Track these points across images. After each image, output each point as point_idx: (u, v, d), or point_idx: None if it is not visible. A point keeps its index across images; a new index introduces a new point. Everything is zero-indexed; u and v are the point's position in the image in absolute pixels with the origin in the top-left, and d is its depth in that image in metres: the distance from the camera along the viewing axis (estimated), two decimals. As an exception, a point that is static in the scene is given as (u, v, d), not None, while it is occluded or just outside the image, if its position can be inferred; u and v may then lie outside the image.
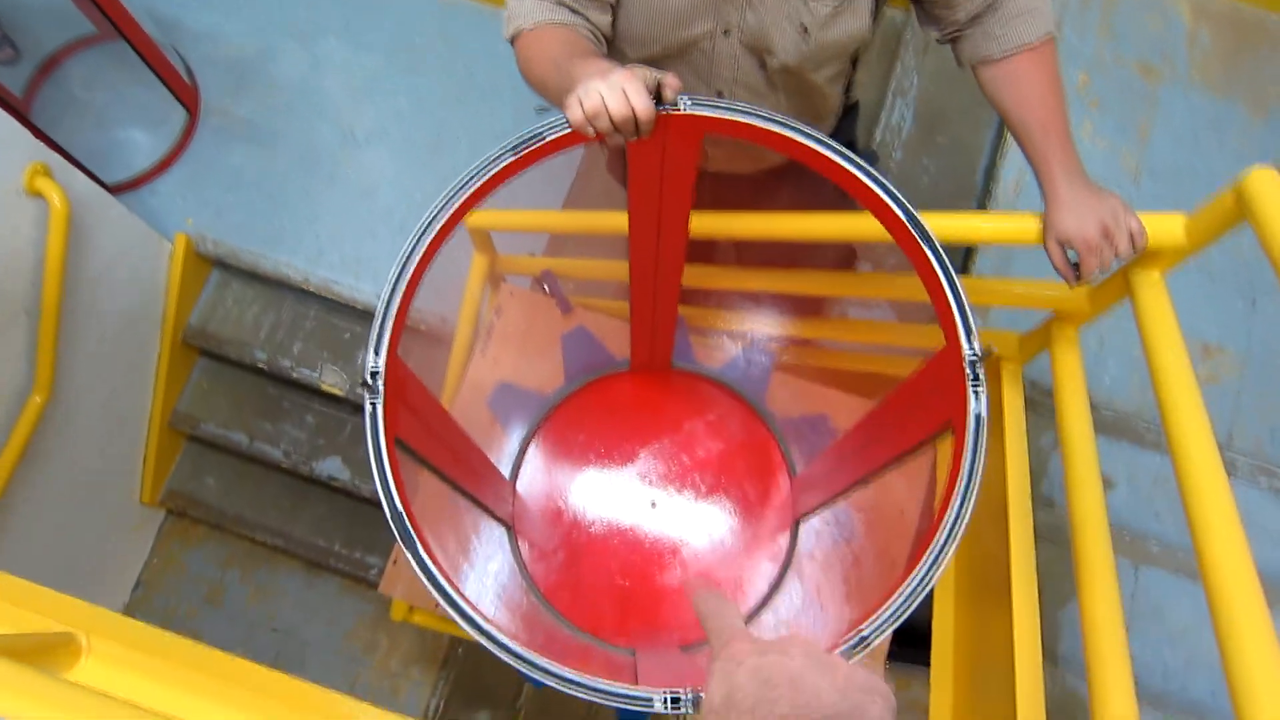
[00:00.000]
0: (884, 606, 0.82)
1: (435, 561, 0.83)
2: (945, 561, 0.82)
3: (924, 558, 0.83)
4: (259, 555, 2.95)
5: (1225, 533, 0.88)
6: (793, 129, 0.94)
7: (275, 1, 3.09)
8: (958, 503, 0.82)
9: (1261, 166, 0.95)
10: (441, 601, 0.82)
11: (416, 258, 0.92)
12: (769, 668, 0.52)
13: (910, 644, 1.72)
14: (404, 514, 0.82)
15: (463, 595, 0.83)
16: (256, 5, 3.09)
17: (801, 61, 1.26)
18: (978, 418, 0.84)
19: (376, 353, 0.87)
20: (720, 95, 1.34)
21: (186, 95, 2.85)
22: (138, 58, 2.58)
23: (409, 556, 0.83)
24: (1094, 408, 2.04)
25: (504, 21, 1.22)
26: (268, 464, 2.82)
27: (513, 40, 1.21)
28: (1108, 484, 1.99)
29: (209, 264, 2.82)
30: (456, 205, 0.94)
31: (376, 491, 0.82)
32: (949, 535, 0.82)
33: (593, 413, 1.81)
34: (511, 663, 0.79)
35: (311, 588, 2.94)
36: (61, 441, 2.34)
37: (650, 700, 0.80)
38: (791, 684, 0.50)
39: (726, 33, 1.23)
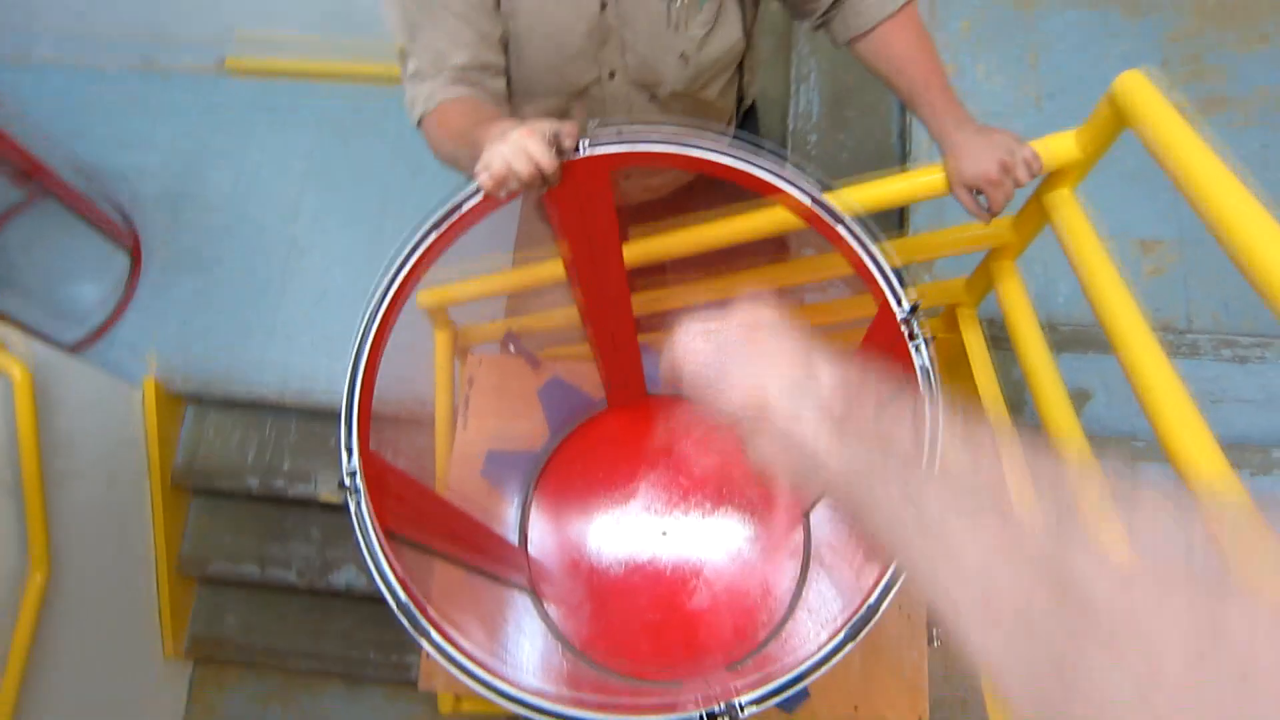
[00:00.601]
0: (885, 571, 0.85)
1: (455, 644, 0.85)
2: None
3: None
4: (297, 683, 2.91)
5: (1178, 413, 0.91)
6: (690, 146, 0.97)
7: (192, 127, 3.13)
8: (926, 450, 0.85)
9: (1128, 71, 1.00)
10: (471, 683, 0.83)
11: (365, 354, 0.94)
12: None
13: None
14: (409, 604, 0.83)
15: (489, 669, 0.84)
16: (175, 135, 3.13)
17: (688, 85, 1.32)
18: (923, 370, 0.87)
19: (349, 453, 0.89)
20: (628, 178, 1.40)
21: (126, 239, 2.87)
22: (71, 214, 2.60)
23: (427, 647, 0.84)
24: (1053, 327, 2.10)
25: (407, 109, 1.26)
26: (284, 588, 2.80)
27: (419, 124, 1.26)
28: (1085, 395, 2.03)
29: (182, 401, 2.82)
30: (392, 294, 0.97)
31: (378, 588, 0.83)
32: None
33: (584, 457, 1.82)
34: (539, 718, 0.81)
35: (356, 702, 2.90)
36: (71, 616, 2.32)
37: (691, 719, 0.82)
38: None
39: (612, 75, 1.29)
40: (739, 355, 0.58)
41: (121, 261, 2.90)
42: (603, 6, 1.21)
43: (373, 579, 0.84)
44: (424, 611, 0.85)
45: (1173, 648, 0.30)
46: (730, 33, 1.30)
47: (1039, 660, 0.35)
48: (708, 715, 0.81)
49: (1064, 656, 0.34)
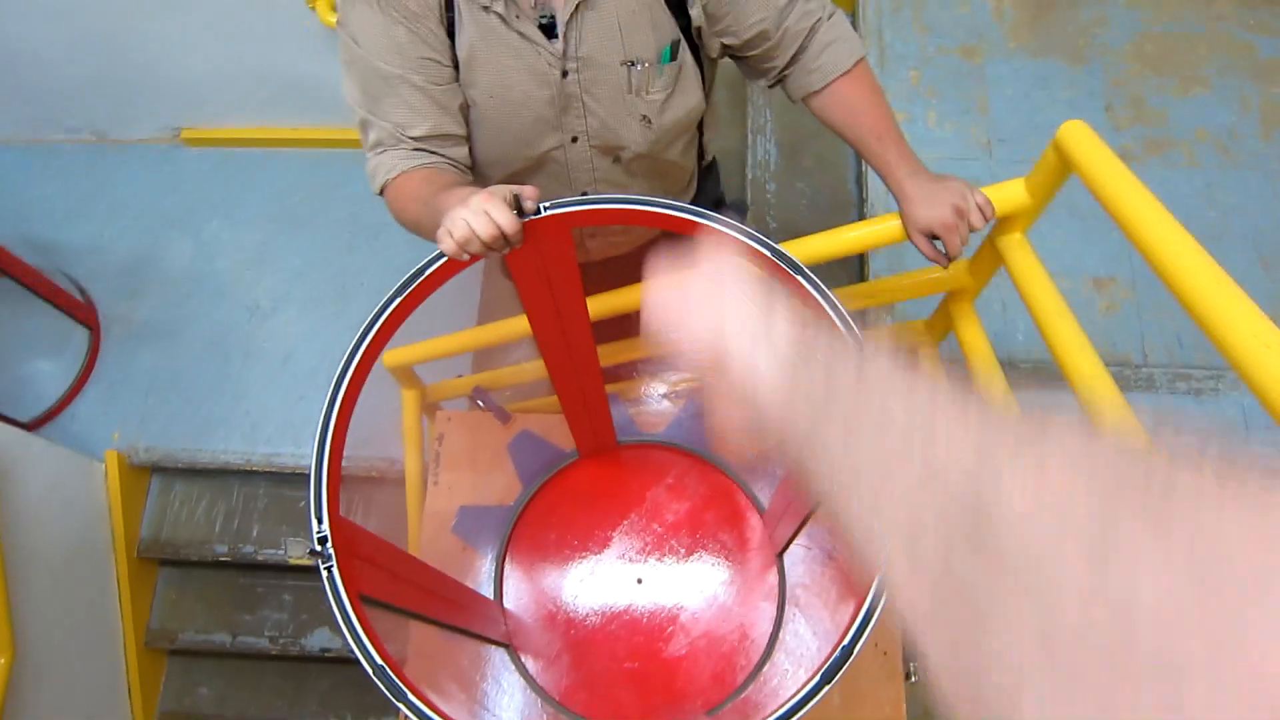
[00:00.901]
0: (859, 611, 0.86)
1: (432, 705, 0.85)
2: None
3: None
4: (274, 751, 2.86)
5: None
6: (647, 204, 1.00)
7: (147, 198, 3.13)
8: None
9: (1070, 121, 1.04)
10: (445, 740, 0.83)
11: (334, 419, 0.94)
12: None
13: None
14: (385, 667, 0.83)
15: (464, 727, 0.84)
16: (129, 206, 3.12)
17: (651, 148, 1.35)
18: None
19: (319, 519, 0.89)
20: (585, 194, 1.42)
21: (84, 313, 2.85)
22: (26, 290, 2.59)
23: (404, 710, 0.84)
24: (1013, 364, 2.14)
25: (369, 178, 1.28)
26: (258, 655, 2.75)
27: (381, 193, 1.27)
28: (1046, 432, 2.06)
29: (146, 472, 2.79)
30: (359, 358, 0.98)
31: (353, 653, 0.83)
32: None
33: (557, 510, 1.83)
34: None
35: (335, 767, 2.85)
36: (37, 697, 2.26)
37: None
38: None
39: (575, 140, 1.32)
40: (700, 305, 0.58)
41: (81, 336, 2.88)
42: (564, 74, 1.24)
43: (347, 643, 0.84)
44: (399, 674, 0.85)
45: (1068, 587, 0.27)
46: (690, 96, 1.34)
47: (962, 622, 0.32)
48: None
49: (981, 613, 0.30)
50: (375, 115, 1.24)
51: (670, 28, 1.25)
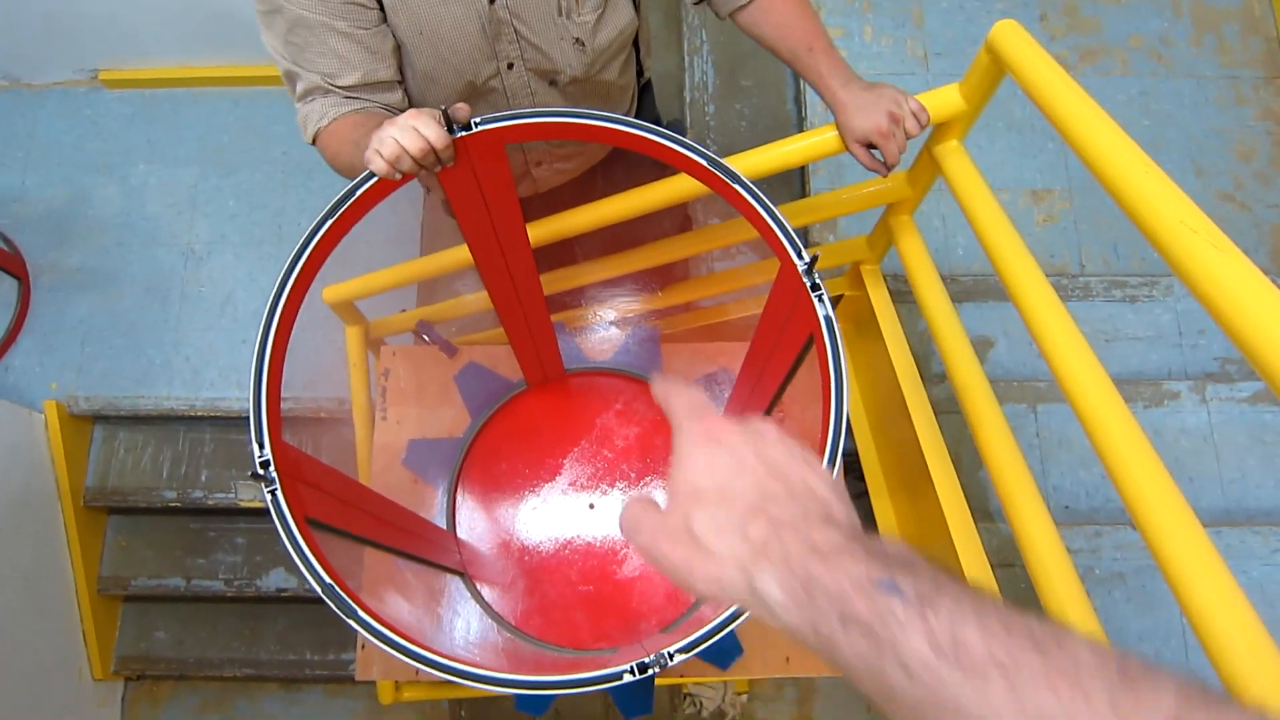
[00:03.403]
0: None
1: (379, 619, 0.85)
2: (839, 452, 0.88)
3: (824, 456, 0.88)
4: (233, 691, 2.88)
5: (1074, 354, 0.96)
6: (577, 115, 0.98)
7: (70, 144, 3.01)
8: (834, 396, 0.88)
9: (1002, 21, 1.04)
10: (395, 653, 0.84)
11: (270, 342, 0.93)
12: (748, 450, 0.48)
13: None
14: (334, 585, 0.84)
15: (415, 640, 0.85)
16: (51, 153, 3.00)
17: (587, 70, 1.33)
18: (826, 319, 0.90)
19: (260, 444, 0.89)
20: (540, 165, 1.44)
21: (11, 263, 2.76)
22: (-53, 243, 2.50)
23: (354, 625, 0.85)
24: (953, 278, 2.18)
25: (300, 127, 1.24)
26: (213, 598, 2.75)
27: (314, 141, 1.24)
28: (988, 342, 2.12)
29: (88, 421, 2.73)
30: (294, 278, 0.96)
31: (301, 573, 0.83)
32: (835, 429, 0.88)
33: (507, 440, 1.83)
34: (476, 685, 0.82)
35: (296, 704, 2.87)
36: (-10, 650, 2.24)
37: (620, 674, 0.84)
38: (777, 473, 0.47)
39: (511, 67, 1.29)
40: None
41: (10, 287, 2.79)
42: (491, 1, 1.21)
43: (299, 571, 0.84)
44: (348, 590, 0.85)
45: None
46: (622, 13, 1.32)
47: None
48: (639, 667, 0.83)
49: None
50: (301, 66, 1.19)
51: None
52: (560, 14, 1.25)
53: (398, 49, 1.25)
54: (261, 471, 0.87)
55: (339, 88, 1.19)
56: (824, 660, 0.41)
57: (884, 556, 0.41)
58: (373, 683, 1.88)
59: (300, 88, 1.22)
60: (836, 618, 0.39)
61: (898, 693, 0.37)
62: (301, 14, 1.15)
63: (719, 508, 0.46)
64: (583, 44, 1.29)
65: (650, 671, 0.84)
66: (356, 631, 0.84)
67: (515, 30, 1.25)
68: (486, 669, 0.83)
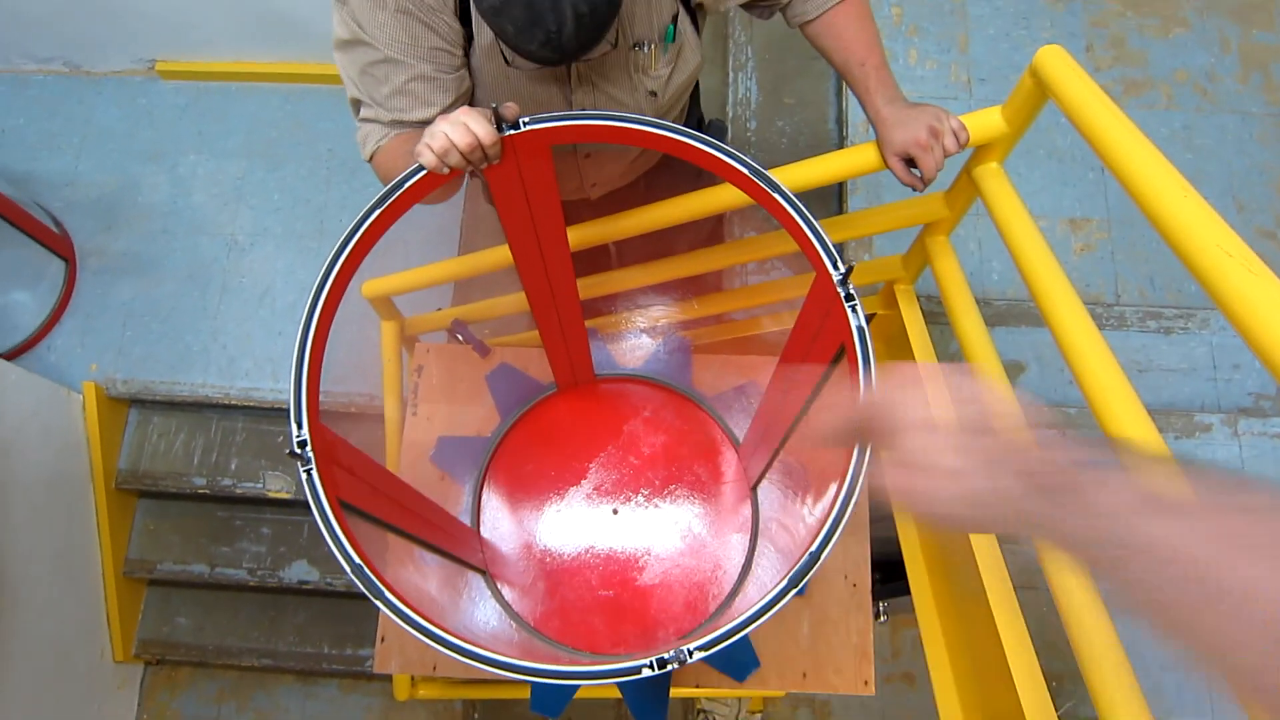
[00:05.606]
0: (824, 521, 0.88)
1: (405, 600, 0.87)
2: (865, 465, 0.88)
3: (852, 467, 0.89)
4: (250, 680, 2.90)
5: (1107, 382, 0.96)
6: (624, 120, 1.00)
7: (123, 132, 3.08)
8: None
9: (1048, 46, 1.05)
10: (420, 635, 0.85)
11: (314, 324, 0.95)
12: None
13: (896, 577, 1.79)
14: (363, 565, 0.85)
15: (439, 625, 0.86)
16: (104, 140, 3.08)
17: (657, 113, 1.37)
18: (859, 330, 0.90)
19: (299, 425, 0.91)
20: (589, 158, 1.48)
21: (59, 245, 2.82)
22: (2, 221, 2.56)
23: (381, 606, 0.86)
24: (987, 302, 2.17)
25: (359, 144, 1.25)
26: (235, 586, 2.78)
27: (371, 159, 1.25)
28: (1019, 368, 2.10)
29: (124, 404, 2.79)
30: (340, 265, 0.98)
31: (332, 553, 0.85)
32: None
33: (534, 441, 1.84)
34: (494, 672, 0.83)
35: (312, 698, 2.89)
36: (15, 625, 2.28)
37: (639, 668, 0.85)
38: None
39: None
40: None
41: (57, 268, 2.86)
42: (573, 79, 1.25)
43: (322, 563, 0.86)
44: (377, 573, 0.87)
45: None
46: (693, 59, 1.36)
47: None
48: (658, 662, 0.84)
49: None
50: (376, 101, 1.20)
51: (670, 4, 1.25)
52: (636, 70, 1.29)
53: (471, 89, 1.27)
54: (299, 451, 0.89)
55: (411, 121, 1.20)
56: (1045, 536, 0.53)
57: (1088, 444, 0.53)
58: (388, 679, 1.90)
59: (368, 112, 1.22)
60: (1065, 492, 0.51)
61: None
62: (389, 55, 1.15)
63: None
64: (656, 95, 1.34)
65: (669, 667, 0.84)
66: (381, 611, 0.85)
67: (594, 84, 1.29)
68: (507, 656, 0.84)
